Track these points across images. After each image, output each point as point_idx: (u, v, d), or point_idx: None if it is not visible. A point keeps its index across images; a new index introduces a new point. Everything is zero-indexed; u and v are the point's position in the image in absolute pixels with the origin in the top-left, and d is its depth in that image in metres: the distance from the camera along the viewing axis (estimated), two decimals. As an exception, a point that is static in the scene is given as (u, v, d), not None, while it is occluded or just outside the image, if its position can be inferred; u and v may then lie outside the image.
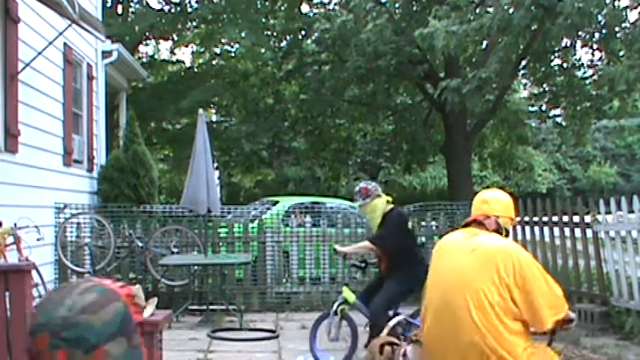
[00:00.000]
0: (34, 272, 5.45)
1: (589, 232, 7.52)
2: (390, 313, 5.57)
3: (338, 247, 6.05)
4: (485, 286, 3.02)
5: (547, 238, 8.21)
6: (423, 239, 9.45)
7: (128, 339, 1.37)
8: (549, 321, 3.08)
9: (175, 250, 8.40)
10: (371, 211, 5.67)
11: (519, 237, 8.74)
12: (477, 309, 3.00)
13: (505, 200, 3.51)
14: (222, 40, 18.60)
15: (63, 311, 1.31)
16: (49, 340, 1.30)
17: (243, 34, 16.67)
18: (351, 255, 6.12)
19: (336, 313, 5.69)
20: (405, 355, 3.81)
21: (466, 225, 3.42)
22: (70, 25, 7.43)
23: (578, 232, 7.72)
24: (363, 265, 6.20)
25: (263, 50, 17.55)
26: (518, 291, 3.03)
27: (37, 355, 1.31)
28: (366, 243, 5.75)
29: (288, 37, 16.99)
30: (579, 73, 14.93)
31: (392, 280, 5.59)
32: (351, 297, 5.70)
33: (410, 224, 5.66)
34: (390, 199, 5.77)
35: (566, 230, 7.88)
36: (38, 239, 6.73)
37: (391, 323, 5.08)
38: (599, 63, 14.13)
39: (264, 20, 17.53)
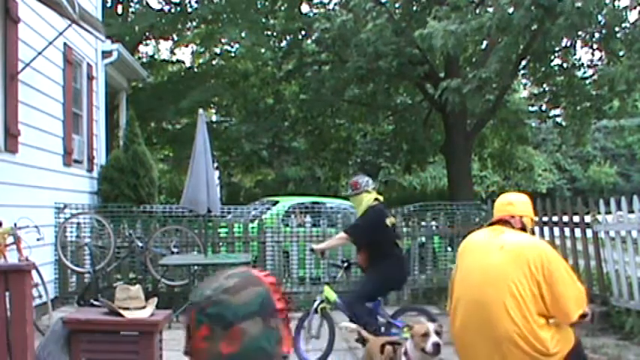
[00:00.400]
0: (34, 272, 5.45)
1: (589, 232, 7.52)
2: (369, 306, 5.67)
3: (314, 246, 6.16)
4: (518, 280, 3.23)
5: (547, 238, 8.21)
6: (423, 239, 9.46)
7: (265, 320, 1.50)
8: (574, 314, 3.32)
9: (175, 250, 8.40)
10: (358, 204, 5.86)
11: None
12: (511, 302, 3.20)
13: (527, 201, 3.81)
14: (222, 40, 18.59)
15: (209, 291, 1.51)
16: (195, 315, 1.49)
17: (243, 34, 16.66)
18: (327, 251, 6.27)
19: (316, 311, 5.79)
20: (406, 353, 3.83)
21: (491, 224, 3.68)
22: (70, 25, 7.43)
23: (578, 232, 7.72)
24: (345, 264, 6.27)
25: (263, 50, 17.55)
26: (546, 286, 3.24)
27: (189, 328, 1.50)
28: (341, 234, 5.92)
29: (288, 37, 16.97)
30: (579, 73, 14.91)
31: (367, 277, 5.80)
32: (332, 296, 5.79)
33: (389, 222, 5.71)
34: (380, 197, 5.87)
35: (566, 230, 7.88)
36: (38, 239, 6.73)
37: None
38: (599, 63, 14.12)
39: (264, 20, 17.52)
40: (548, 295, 3.24)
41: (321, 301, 5.81)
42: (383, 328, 5.69)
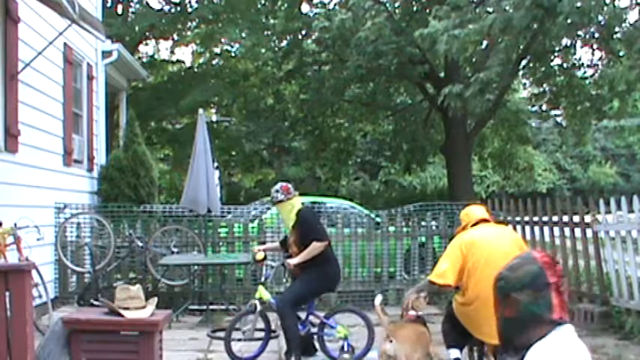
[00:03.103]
0: (34, 272, 5.45)
1: (589, 232, 7.52)
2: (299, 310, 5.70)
3: (290, 261, 5.74)
4: None
5: (547, 238, 8.21)
6: (423, 239, 9.46)
7: (535, 291, 1.94)
8: None
9: (175, 250, 8.40)
10: (291, 208, 5.74)
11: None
12: None
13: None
14: (222, 40, 18.59)
15: (504, 270, 2.05)
16: (497, 289, 2.04)
17: (243, 34, 16.67)
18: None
19: (253, 311, 5.79)
20: None
21: (478, 222, 5.09)
22: (70, 25, 7.43)
23: (578, 232, 7.72)
24: (277, 264, 6.26)
25: (263, 50, 17.55)
26: None
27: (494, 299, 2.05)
28: (315, 244, 5.58)
29: (288, 37, 16.97)
30: (579, 73, 14.91)
31: (303, 278, 5.67)
32: (266, 295, 5.80)
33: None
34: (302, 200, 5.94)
35: (566, 230, 7.88)
36: (38, 239, 6.72)
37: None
38: (599, 63, 14.12)
39: (264, 20, 17.53)
40: None
41: (256, 301, 5.82)
42: (316, 329, 5.77)
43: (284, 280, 9.01)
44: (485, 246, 4.87)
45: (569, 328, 1.99)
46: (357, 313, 6.09)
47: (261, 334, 5.89)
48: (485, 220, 5.11)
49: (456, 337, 5.12)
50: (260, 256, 5.99)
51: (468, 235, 5.02)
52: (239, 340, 5.82)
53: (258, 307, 5.79)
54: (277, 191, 5.78)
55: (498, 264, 4.39)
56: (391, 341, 4.69)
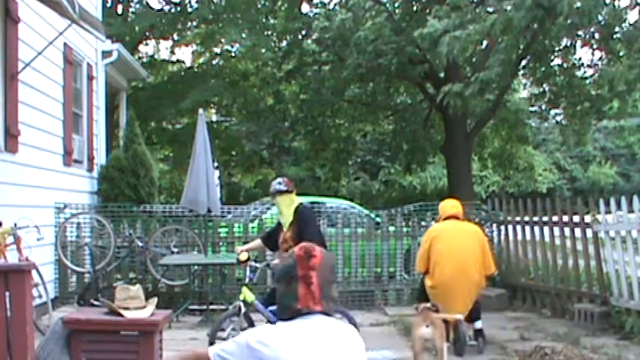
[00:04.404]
0: (34, 272, 5.45)
1: (589, 232, 7.53)
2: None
3: (273, 263, 5.77)
4: (477, 251, 5.87)
5: (547, 238, 8.21)
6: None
7: (286, 283, 2.20)
8: (494, 267, 6.13)
9: (175, 250, 8.40)
10: (290, 203, 5.71)
11: (519, 237, 8.74)
12: (476, 263, 5.81)
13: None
14: (222, 40, 18.58)
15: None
16: None
17: (243, 35, 16.66)
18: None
19: (237, 313, 5.74)
20: None
21: (447, 218, 6.08)
22: (70, 25, 7.43)
23: (578, 232, 7.72)
24: (265, 265, 6.25)
25: (263, 50, 17.53)
26: (482, 251, 5.89)
27: None
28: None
29: (288, 37, 16.96)
30: (579, 73, 14.90)
31: None
32: (250, 297, 5.75)
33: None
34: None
35: (566, 230, 7.88)
36: (38, 239, 6.72)
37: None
38: (599, 63, 14.11)
39: (264, 20, 17.52)
40: (482, 255, 5.80)
41: (240, 303, 5.76)
42: None
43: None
44: (446, 239, 5.80)
45: (316, 319, 2.16)
46: (341, 312, 6.07)
47: None
48: (454, 217, 5.98)
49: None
50: (243, 256, 5.92)
51: (434, 229, 6.01)
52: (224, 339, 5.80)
53: (242, 309, 5.73)
54: (280, 183, 5.78)
55: (457, 255, 5.81)
56: (427, 326, 5.20)
